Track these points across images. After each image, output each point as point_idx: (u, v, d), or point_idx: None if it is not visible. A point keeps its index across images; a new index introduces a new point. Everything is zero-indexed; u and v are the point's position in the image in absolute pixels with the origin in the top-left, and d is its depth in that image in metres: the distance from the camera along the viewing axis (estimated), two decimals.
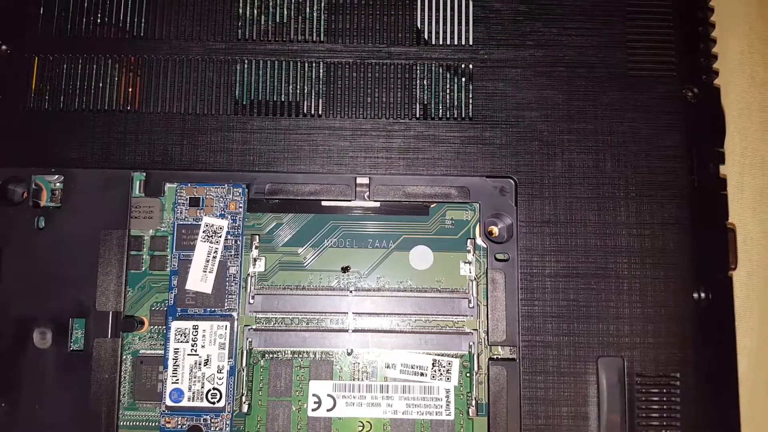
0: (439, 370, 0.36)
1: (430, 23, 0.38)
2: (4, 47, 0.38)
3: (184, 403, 0.36)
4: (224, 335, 0.36)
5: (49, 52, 0.38)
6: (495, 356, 0.36)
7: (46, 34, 0.38)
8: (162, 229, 0.37)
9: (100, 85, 0.38)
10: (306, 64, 0.38)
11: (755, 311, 0.41)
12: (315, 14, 0.38)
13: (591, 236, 0.36)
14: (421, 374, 0.36)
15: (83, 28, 0.38)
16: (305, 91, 0.38)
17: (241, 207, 0.37)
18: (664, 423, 0.35)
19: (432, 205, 0.38)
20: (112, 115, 0.37)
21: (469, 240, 0.37)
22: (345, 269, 0.37)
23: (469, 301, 0.37)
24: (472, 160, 0.37)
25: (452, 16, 0.38)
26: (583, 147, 0.36)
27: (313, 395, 0.36)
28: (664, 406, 0.35)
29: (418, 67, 0.38)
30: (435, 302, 0.37)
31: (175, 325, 0.36)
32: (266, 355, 0.37)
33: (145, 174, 0.37)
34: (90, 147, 0.37)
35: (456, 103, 0.37)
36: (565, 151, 0.36)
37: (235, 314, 0.36)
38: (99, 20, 0.38)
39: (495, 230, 0.37)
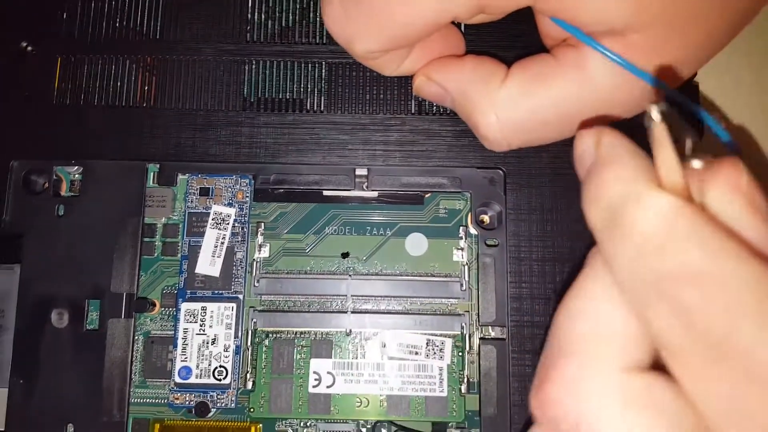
0: (433, 350, 0.38)
1: None
2: (29, 48, 0.41)
3: (192, 380, 0.38)
4: (231, 316, 0.38)
5: (72, 53, 0.41)
6: (485, 336, 0.38)
7: (69, 37, 0.41)
8: (174, 217, 0.40)
9: (119, 83, 0.40)
10: (310, 65, 0.41)
11: None
12: (318, 19, 0.41)
13: (575, 223, 0.38)
14: (416, 353, 0.38)
15: (103, 31, 0.41)
16: (309, 89, 0.40)
17: (248, 196, 0.40)
18: None
19: (427, 195, 0.40)
20: (129, 111, 0.40)
21: (461, 228, 0.40)
22: (345, 255, 0.40)
23: (462, 285, 0.39)
24: (464, 152, 0.39)
25: None
26: (568, 139, 0.39)
27: (314, 373, 0.38)
28: None
29: None
30: (429, 286, 0.39)
31: (184, 306, 0.38)
32: (270, 335, 0.39)
33: (159, 166, 0.40)
34: (108, 141, 0.40)
35: None
36: (550, 144, 0.38)
37: (241, 296, 0.39)
38: (118, 24, 0.41)
39: (486, 218, 0.39)
